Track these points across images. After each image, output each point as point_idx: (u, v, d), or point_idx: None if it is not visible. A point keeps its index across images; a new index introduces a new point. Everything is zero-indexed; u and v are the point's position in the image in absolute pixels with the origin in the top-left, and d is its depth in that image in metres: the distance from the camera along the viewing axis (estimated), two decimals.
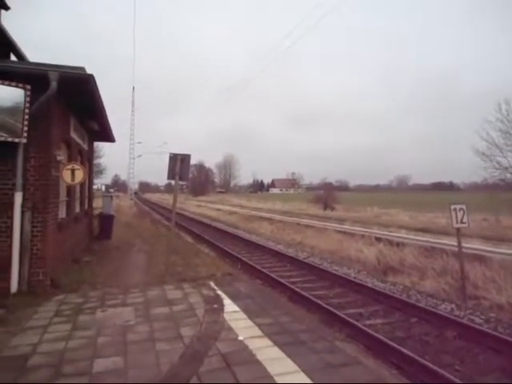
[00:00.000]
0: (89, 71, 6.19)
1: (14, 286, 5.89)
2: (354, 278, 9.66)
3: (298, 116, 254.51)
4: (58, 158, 6.84)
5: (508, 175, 25.26)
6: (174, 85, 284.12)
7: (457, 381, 4.22)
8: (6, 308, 5.27)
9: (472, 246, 10.32)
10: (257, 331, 4.44)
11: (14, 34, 8.15)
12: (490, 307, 7.30)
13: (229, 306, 5.46)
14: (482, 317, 6.74)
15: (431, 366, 4.55)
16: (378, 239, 13.77)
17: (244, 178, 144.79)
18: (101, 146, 40.25)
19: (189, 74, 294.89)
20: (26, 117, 5.82)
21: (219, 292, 6.19)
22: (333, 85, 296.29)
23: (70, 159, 8.22)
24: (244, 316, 4.99)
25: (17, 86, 5.74)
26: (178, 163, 7.54)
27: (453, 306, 7.39)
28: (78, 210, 10.06)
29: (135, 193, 74.08)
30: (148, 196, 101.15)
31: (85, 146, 10.86)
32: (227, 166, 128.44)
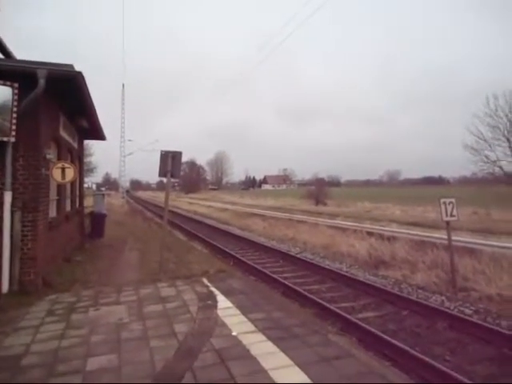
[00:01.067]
0: (80, 68, 6.13)
1: (5, 286, 5.84)
2: (346, 272, 9.74)
3: (290, 112, 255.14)
4: (48, 156, 6.77)
5: (496, 169, 25.72)
6: (167, 81, 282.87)
7: (450, 372, 4.30)
8: None
9: (462, 238, 10.45)
10: (250, 326, 4.47)
11: (2, 32, 8.04)
12: (480, 298, 7.42)
13: (222, 302, 5.48)
14: (472, 308, 6.86)
15: (422, 356, 4.63)
16: (370, 233, 13.89)
17: (236, 175, 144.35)
18: (91, 144, 39.87)
19: (183, 70, 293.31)
20: (15, 115, 5.75)
21: (212, 288, 6.21)
22: (327, 79, 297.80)
23: (60, 158, 8.15)
24: (237, 312, 5.01)
25: (4, 84, 5.66)
26: (170, 160, 7.51)
27: (443, 298, 7.50)
28: (68, 208, 9.99)
29: (127, 191, 73.04)
30: (139, 194, 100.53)
31: (75, 145, 10.76)
32: (219, 163, 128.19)
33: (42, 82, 5.78)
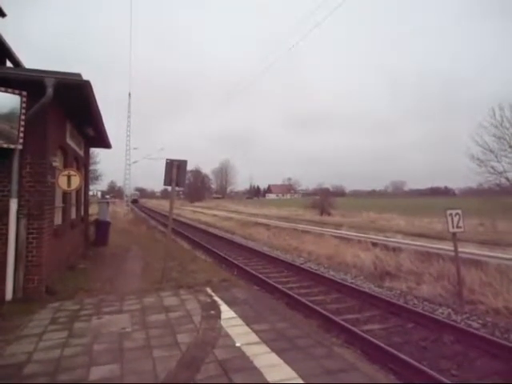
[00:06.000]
0: (85, 75, 6.19)
1: (8, 294, 5.84)
2: (351, 283, 9.64)
3: (295, 121, 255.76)
4: (54, 164, 6.82)
5: (503, 180, 25.48)
6: (172, 89, 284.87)
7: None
8: (1, 316, 5.22)
9: (468, 250, 10.33)
10: (254, 337, 4.42)
11: (11, 39, 8.18)
12: (487, 312, 7.31)
13: (226, 312, 5.43)
14: (479, 321, 6.75)
15: (428, 370, 4.55)
16: (375, 244, 13.78)
17: (240, 183, 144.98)
18: (97, 152, 40.17)
19: (188, 78, 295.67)
20: (22, 123, 5.81)
21: (216, 298, 6.17)
22: (333, 88, 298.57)
23: (66, 165, 8.20)
24: (241, 322, 4.97)
25: (13, 93, 5.74)
26: (175, 169, 7.53)
27: (450, 310, 7.39)
28: (73, 216, 10.03)
29: (134, 200, 68.46)
30: (143, 202, 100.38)
31: (81, 153, 10.85)
32: (223, 172, 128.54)
33: (49, 90, 5.85)
